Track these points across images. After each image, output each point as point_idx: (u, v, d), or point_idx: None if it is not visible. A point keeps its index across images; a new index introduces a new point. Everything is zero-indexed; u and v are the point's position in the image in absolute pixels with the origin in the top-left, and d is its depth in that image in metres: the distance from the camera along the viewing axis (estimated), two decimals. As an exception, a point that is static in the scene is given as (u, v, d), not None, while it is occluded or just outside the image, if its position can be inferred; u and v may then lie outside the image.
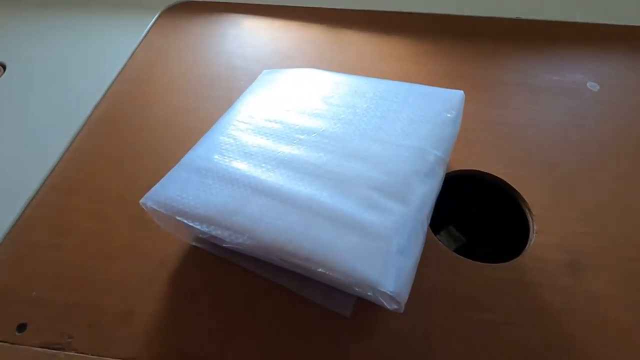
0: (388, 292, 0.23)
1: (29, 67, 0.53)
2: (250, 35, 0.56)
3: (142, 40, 0.56)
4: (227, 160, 0.31)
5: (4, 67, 0.52)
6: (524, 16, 0.56)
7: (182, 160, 0.32)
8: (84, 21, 0.60)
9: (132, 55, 0.53)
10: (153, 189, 0.30)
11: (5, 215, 0.36)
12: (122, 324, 0.29)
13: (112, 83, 0.49)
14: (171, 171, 0.31)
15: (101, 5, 0.62)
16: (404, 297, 0.24)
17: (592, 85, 0.46)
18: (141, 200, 0.29)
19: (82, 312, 0.30)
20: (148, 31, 0.57)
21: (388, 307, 0.24)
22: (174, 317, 0.30)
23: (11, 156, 0.42)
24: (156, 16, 0.60)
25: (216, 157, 0.31)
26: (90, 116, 0.45)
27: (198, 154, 0.32)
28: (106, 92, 0.48)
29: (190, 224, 0.27)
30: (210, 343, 0.28)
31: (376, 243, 0.25)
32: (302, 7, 0.60)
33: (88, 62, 0.53)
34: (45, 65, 0.52)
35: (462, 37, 0.54)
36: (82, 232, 0.35)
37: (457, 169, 0.39)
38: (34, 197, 0.38)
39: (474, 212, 0.46)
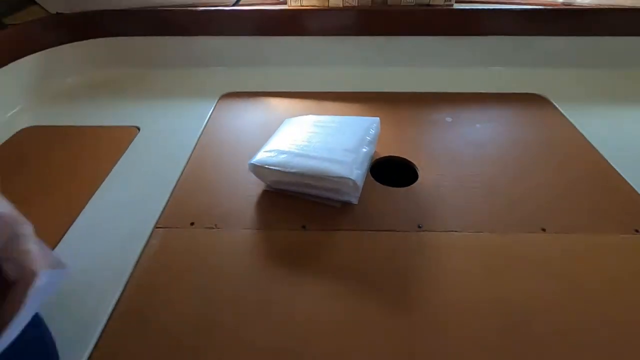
0: (353, 179, 0.63)
1: (155, 130, 0.94)
2: (276, 109, 1.02)
3: (210, 115, 1.00)
4: (280, 145, 0.72)
5: (139, 129, 0.94)
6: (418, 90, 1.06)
7: (262, 149, 0.73)
8: (178, 102, 1.05)
9: (205, 126, 0.96)
10: (253, 158, 0.70)
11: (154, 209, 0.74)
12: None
13: (198, 140, 0.91)
14: (259, 152, 0.72)
15: (186, 96, 1.08)
16: (360, 187, 0.65)
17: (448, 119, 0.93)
18: (249, 162, 0.69)
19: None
20: (213, 109, 1.02)
21: (353, 199, 0.64)
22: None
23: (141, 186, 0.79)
24: (216, 101, 1.05)
25: (276, 145, 0.73)
26: (188, 159, 0.85)
27: (270, 146, 0.73)
28: (195, 145, 0.89)
29: (273, 168, 0.67)
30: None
31: (347, 166, 0.66)
32: (296, 92, 1.08)
33: (183, 128, 0.95)
34: (163, 129, 0.94)
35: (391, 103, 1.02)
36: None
37: (383, 155, 0.81)
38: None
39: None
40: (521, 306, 0.52)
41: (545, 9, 1.17)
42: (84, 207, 0.70)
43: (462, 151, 0.83)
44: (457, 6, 1.16)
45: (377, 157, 0.81)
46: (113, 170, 0.80)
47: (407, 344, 0.48)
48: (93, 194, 0.74)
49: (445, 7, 1.15)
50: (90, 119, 0.99)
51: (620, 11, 1.14)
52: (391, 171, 0.81)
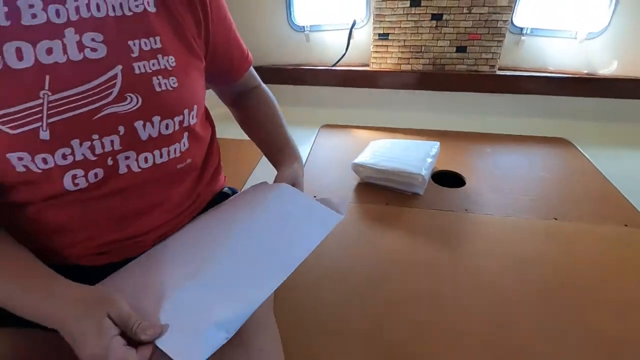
0: (422, 174, 1.00)
1: None
2: (362, 135, 1.44)
3: (315, 138, 1.43)
4: (371, 154, 1.11)
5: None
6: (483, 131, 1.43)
7: (358, 156, 1.12)
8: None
9: (313, 144, 1.39)
10: (354, 160, 1.09)
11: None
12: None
13: (310, 151, 1.33)
14: (357, 158, 1.11)
15: (298, 125, 1.53)
16: (426, 182, 1.01)
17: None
18: (352, 162, 1.08)
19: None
20: (317, 134, 1.46)
21: (420, 191, 1.01)
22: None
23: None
24: (318, 129, 1.49)
25: (368, 154, 1.12)
26: (305, 161, 1.28)
27: (364, 154, 1.13)
28: (308, 155, 1.32)
29: (367, 166, 1.06)
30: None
31: (417, 167, 1.03)
32: (383, 127, 1.49)
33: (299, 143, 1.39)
34: None
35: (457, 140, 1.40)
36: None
37: (441, 169, 1.17)
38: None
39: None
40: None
41: (572, 77, 1.52)
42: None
43: (496, 170, 1.17)
44: (499, 72, 1.55)
45: (436, 170, 1.17)
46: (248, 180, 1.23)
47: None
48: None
49: (489, 73, 1.54)
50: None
51: (634, 80, 1.46)
52: (446, 179, 1.16)
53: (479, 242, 0.88)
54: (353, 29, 1.65)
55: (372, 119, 1.56)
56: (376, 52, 1.61)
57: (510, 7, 1.43)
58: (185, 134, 0.49)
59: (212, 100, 0.61)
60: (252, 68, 0.66)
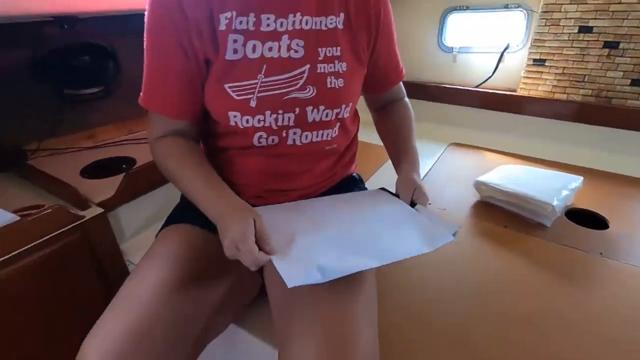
0: (552, 204, 0.94)
1: None
2: (491, 158, 1.40)
3: (441, 154, 1.46)
4: (497, 175, 1.09)
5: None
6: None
7: (483, 175, 1.11)
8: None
9: (437, 159, 1.42)
10: (478, 178, 1.09)
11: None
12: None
13: (432, 166, 1.37)
14: (481, 176, 1.11)
15: (425, 142, 1.59)
16: (557, 214, 0.94)
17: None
18: (475, 179, 1.09)
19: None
20: (444, 151, 1.48)
21: (547, 222, 0.94)
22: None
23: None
24: (446, 146, 1.51)
25: (494, 175, 1.10)
26: (427, 172, 1.32)
27: (489, 174, 1.11)
28: (430, 169, 1.36)
29: (490, 186, 1.05)
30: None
31: (549, 196, 0.97)
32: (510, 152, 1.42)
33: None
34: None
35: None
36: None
37: (577, 206, 1.06)
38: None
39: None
40: None
41: None
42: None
43: (659, 223, 0.99)
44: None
45: (573, 206, 1.06)
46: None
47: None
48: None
49: (675, 113, 1.29)
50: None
51: None
52: (583, 218, 1.04)
53: (611, 289, 0.78)
54: (505, 52, 1.61)
55: (507, 145, 1.49)
56: (527, 77, 1.54)
57: None
58: (337, 124, 0.65)
59: (361, 105, 0.75)
60: (401, 84, 0.78)
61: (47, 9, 0.78)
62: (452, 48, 1.74)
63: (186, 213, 0.66)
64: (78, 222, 0.82)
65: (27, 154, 1.09)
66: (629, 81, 1.35)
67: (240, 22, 0.55)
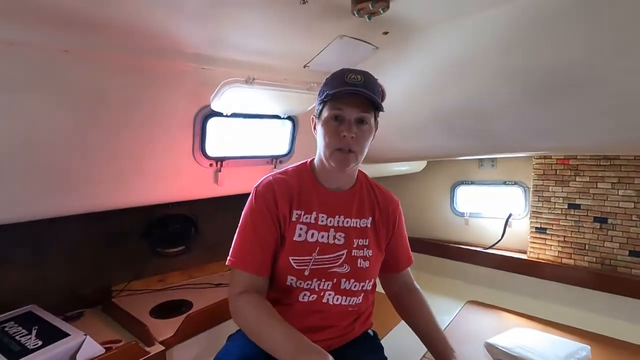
0: None
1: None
2: (506, 319, 1.48)
3: (458, 312, 1.56)
4: (509, 341, 1.18)
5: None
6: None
7: (493, 338, 1.21)
8: (431, 297, 1.69)
9: (455, 315, 1.52)
10: (488, 340, 1.19)
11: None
12: None
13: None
14: (492, 339, 1.20)
15: (438, 296, 1.71)
16: None
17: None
18: (485, 341, 1.18)
19: None
20: (461, 308, 1.58)
21: None
22: None
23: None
24: (463, 303, 1.62)
25: (506, 340, 1.19)
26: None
27: (499, 338, 1.20)
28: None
29: (500, 349, 1.14)
30: None
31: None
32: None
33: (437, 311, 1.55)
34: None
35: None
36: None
37: None
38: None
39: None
40: None
41: None
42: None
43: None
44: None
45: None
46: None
47: None
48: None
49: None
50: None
51: None
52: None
53: None
54: (510, 219, 1.85)
55: (520, 305, 1.58)
56: (534, 242, 1.73)
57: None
58: (362, 294, 0.88)
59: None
60: (410, 272, 0.99)
61: (162, 198, 1.21)
62: (464, 213, 2.02)
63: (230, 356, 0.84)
64: (145, 357, 1.03)
65: (113, 293, 1.39)
66: (627, 252, 1.49)
67: (306, 218, 0.85)
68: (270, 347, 0.74)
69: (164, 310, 1.31)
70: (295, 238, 0.83)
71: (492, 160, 1.94)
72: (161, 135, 1.11)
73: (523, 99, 1.05)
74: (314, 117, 0.87)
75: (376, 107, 0.81)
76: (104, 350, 0.99)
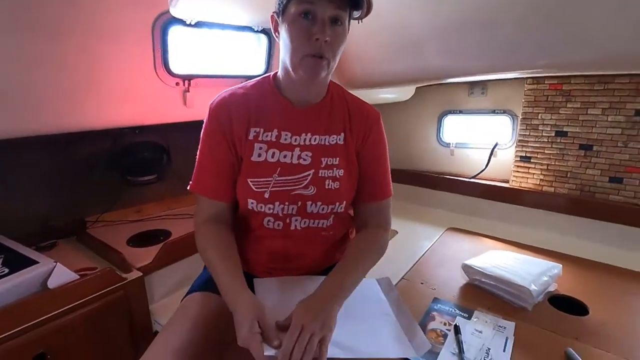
0: (529, 289, 1.04)
1: (410, 232, 1.62)
2: (484, 243, 1.52)
3: (439, 238, 1.59)
4: (484, 260, 1.21)
5: (397, 232, 1.64)
6: None
7: (471, 259, 1.24)
8: (412, 227, 1.71)
9: (435, 241, 1.55)
10: (466, 261, 1.22)
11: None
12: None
13: (429, 247, 1.50)
14: (469, 260, 1.23)
15: (421, 224, 1.74)
16: (535, 298, 1.04)
17: None
18: (462, 262, 1.21)
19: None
20: (441, 234, 1.62)
21: (528, 306, 1.04)
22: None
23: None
24: (444, 230, 1.65)
25: (481, 259, 1.22)
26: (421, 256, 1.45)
27: (476, 259, 1.24)
28: (425, 252, 1.48)
29: (476, 269, 1.17)
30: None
31: (527, 281, 1.07)
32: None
33: (408, 248, 1.58)
34: (413, 232, 1.61)
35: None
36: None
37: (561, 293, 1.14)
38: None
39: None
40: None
41: None
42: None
43: (628, 306, 1.05)
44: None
45: (558, 293, 1.15)
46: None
47: None
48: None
49: (654, 209, 1.41)
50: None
51: None
52: (568, 306, 1.12)
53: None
54: (496, 149, 1.83)
55: (500, 231, 1.61)
56: (517, 171, 1.72)
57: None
58: (332, 216, 0.82)
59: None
60: (387, 209, 0.86)
61: (125, 122, 1.10)
62: (449, 143, 1.99)
63: (208, 282, 0.83)
64: (122, 283, 1.01)
65: (87, 224, 1.34)
66: (607, 178, 1.50)
67: (266, 136, 0.77)
68: (219, 289, 0.71)
69: (142, 240, 1.29)
70: (254, 158, 0.76)
71: (483, 87, 1.85)
72: (113, 46, 0.96)
73: (526, 4, 0.94)
74: (274, 15, 0.73)
75: (353, 4, 0.68)
76: (77, 277, 0.96)
